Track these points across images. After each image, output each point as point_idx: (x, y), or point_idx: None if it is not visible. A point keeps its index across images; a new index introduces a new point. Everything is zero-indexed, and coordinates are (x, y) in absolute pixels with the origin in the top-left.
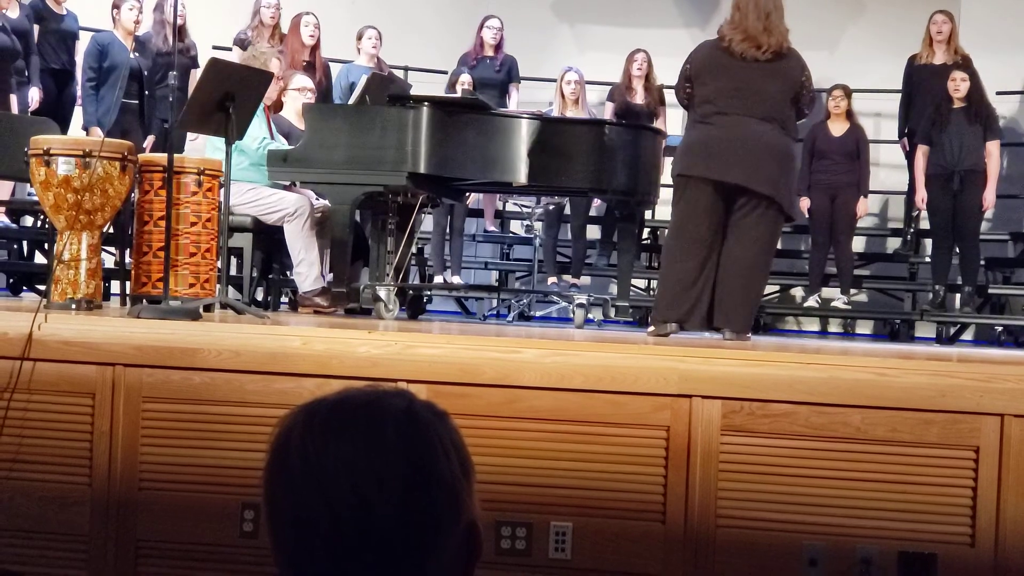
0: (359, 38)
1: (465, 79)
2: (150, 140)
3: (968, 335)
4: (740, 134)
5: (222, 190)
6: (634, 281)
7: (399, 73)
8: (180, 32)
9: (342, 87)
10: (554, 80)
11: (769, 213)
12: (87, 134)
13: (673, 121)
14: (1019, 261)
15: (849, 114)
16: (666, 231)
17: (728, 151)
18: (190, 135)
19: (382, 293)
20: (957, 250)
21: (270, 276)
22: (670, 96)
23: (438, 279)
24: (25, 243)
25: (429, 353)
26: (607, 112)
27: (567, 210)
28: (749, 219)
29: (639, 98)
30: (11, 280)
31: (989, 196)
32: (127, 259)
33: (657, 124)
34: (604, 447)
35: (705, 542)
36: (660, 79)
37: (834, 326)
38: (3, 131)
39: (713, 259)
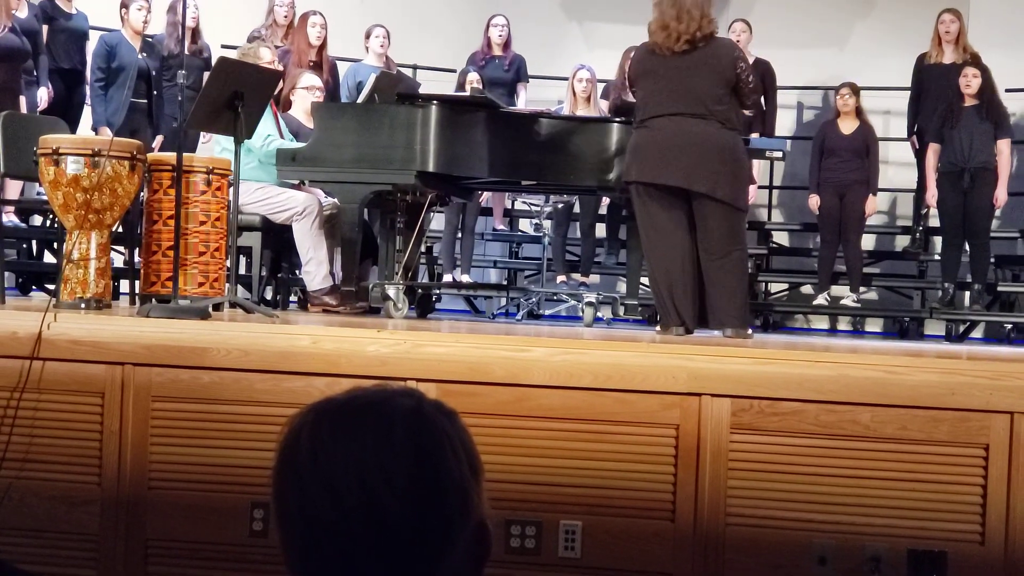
0: (367, 37)
1: (473, 77)
2: (159, 140)
3: (978, 333)
4: (675, 135)
5: (231, 189)
6: (643, 279)
7: (408, 71)
8: (194, 34)
9: (350, 86)
10: (563, 78)
11: (719, 208)
12: (96, 134)
13: None
14: None
15: (858, 112)
16: None
17: (665, 153)
18: (203, 135)
19: (391, 292)
20: (967, 248)
21: (279, 275)
22: None
23: (447, 278)
24: (34, 243)
25: (438, 352)
26: (602, 109)
27: (576, 208)
28: (708, 219)
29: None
30: (20, 280)
31: (1000, 194)
32: (136, 258)
33: None
34: (613, 445)
35: (715, 540)
36: None
37: (843, 324)
38: (12, 131)
39: (689, 255)
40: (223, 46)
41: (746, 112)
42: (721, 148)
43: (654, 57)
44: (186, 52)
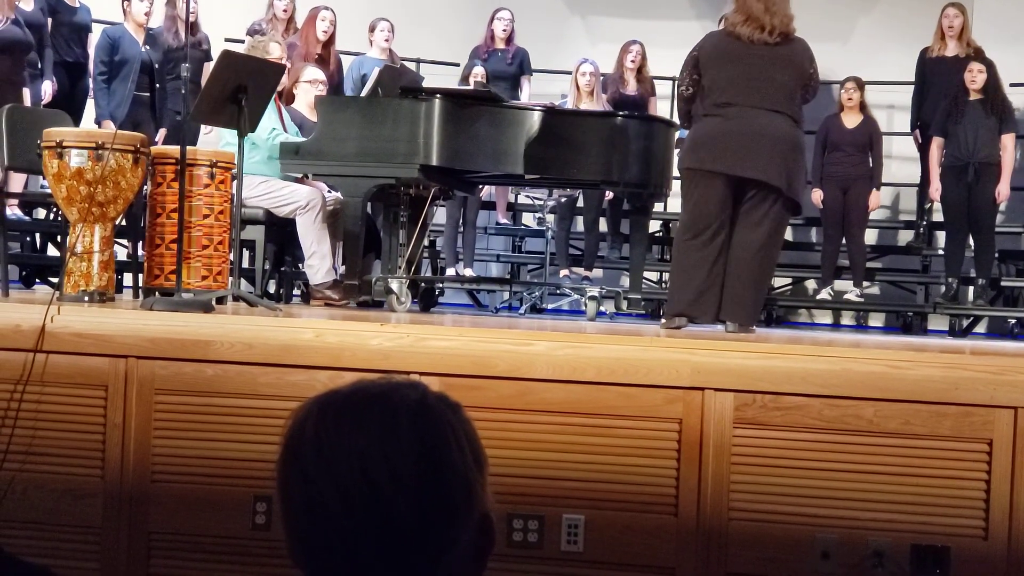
0: (372, 30)
1: (478, 71)
2: (162, 133)
3: (981, 328)
4: (752, 127)
5: (234, 182)
6: (646, 274)
7: (411, 65)
8: (192, 27)
9: (354, 79)
10: (566, 72)
11: (777, 207)
12: (99, 128)
13: (662, 112)
14: None
15: (863, 106)
16: (676, 224)
17: (741, 145)
18: (203, 128)
19: (394, 286)
20: (971, 242)
21: (282, 269)
22: (661, 87)
23: (450, 272)
24: (38, 235)
25: (441, 345)
26: (606, 102)
27: (580, 202)
28: (758, 213)
29: (631, 89)
30: (24, 273)
31: (1004, 189)
32: (140, 251)
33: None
34: (616, 440)
35: (717, 535)
36: (655, 70)
37: (847, 319)
38: (16, 124)
39: (724, 252)
40: (226, 39)
41: None
42: (795, 146)
43: (737, 44)
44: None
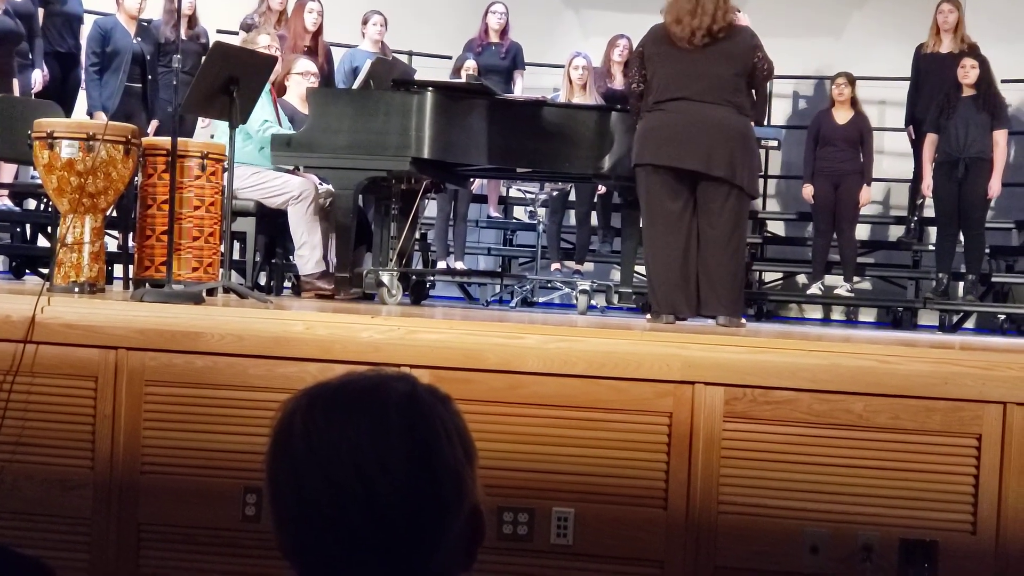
0: (364, 23)
1: (470, 64)
2: (154, 124)
3: (971, 323)
4: (693, 119)
5: (226, 174)
6: (637, 267)
7: (404, 58)
8: (191, 20)
9: (345, 71)
10: (559, 66)
11: (732, 197)
12: (91, 119)
13: None
14: (1023, 250)
15: (853, 102)
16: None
17: (682, 137)
18: (201, 121)
19: (385, 278)
20: (961, 238)
21: (273, 260)
22: None
23: (441, 264)
24: (28, 226)
25: (432, 338)
26: (598, 97)
27: (571, 196)
28: (714, 204)
29: (618, 83)
30: (14, 263)
31: (994, 185)
32: (130, 243)
33: None
34: (606, 433)
35: (707, 528)
36: None
37: (837, 313)
38: (7, 114)
39: (692, 241)
40: (219, 31)
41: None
42: (737, 134)
43: (671, 43)
44: (183, 38)
